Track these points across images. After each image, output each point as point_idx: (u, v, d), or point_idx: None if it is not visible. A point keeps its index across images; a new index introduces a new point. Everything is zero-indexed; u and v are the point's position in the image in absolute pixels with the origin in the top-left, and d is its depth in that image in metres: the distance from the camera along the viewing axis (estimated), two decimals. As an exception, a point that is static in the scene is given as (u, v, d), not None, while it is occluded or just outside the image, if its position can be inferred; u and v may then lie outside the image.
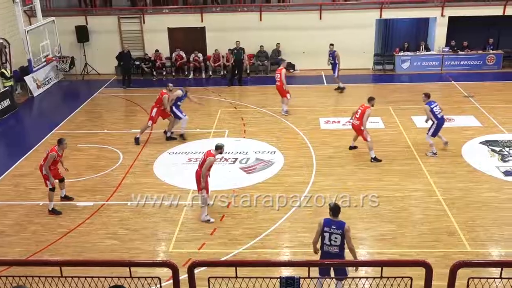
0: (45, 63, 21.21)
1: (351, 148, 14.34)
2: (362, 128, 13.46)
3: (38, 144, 15.58)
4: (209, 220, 10.96)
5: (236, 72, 21.23)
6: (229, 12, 22.69)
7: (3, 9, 20.10)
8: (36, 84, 20.84)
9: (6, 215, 11.67)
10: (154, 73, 22.43)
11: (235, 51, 21.20)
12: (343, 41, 21.98)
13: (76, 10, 23.15)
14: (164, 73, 22.60)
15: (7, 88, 18.96)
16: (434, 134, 13.75)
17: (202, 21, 22.41)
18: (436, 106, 13.61)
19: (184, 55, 22.41)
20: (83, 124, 17.34)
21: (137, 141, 15.21)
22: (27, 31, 19.78)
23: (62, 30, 22.07)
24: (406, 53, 22.33)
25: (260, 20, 22.20)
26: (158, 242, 10.49)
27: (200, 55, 22.42)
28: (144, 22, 22.65)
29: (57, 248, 10.29)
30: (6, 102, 18.33)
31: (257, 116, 17.33)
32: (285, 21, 22.18)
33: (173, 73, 22.57)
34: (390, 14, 22.36)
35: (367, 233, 10.54)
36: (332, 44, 19.84)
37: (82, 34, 22.50)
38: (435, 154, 13.77)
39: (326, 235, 7.94)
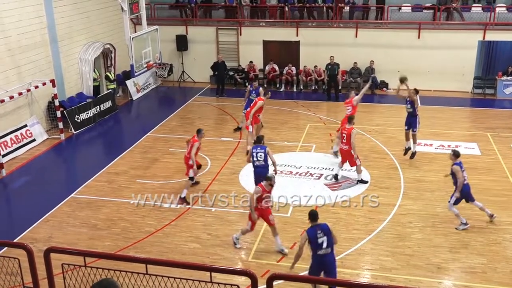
0: (145, 69, 22.34)
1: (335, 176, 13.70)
2: (352, 152, 13.08)
3: (133, 145, 16.40)
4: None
5: (326, 87, 21.32)
6: (324, 27, 22.65)
7: (112, 17, 21.49)
8: (136, 88, 22.01)
9: (100, 209, 12.37)
10: (247, 84, 22.84)
11: (329, 66, 21.10)
12: (441, 62, 21.30)
13: (178, 20, 24.21)
14: (256, 84, 22.90)
15: (110, 90, 20.22)
16: (457, 202, 11.10)
17: (297, 35, 22.58)
18: (464, 170, 11.02)
19: (277, 68, 22.65)
20: (176, 129, 18.02)
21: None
22: (132, 38, 20.97)
23: (164, 38, 23.19)
24: (509, 77, 21.09)
25: (356, 36, 21.96)
26: (238, 250, 10.61)
27: (293, 68, 22.58)
28: (240, 34, 23.22)
29: (143, 246, 10.74)
30: (108, 104, 19.52)
31: (346, 133, 17.06)
32: (382, 39, 21.78)
33: (265, 85, 22.84)
34: (494, 36, 21.25)
35: (455, 264, 10.01)
36: (416, 90, 14.93)
37: (182, 43, 23.49)
38: (465, 224, 11.08)
39: (254, 154, 11.74)
